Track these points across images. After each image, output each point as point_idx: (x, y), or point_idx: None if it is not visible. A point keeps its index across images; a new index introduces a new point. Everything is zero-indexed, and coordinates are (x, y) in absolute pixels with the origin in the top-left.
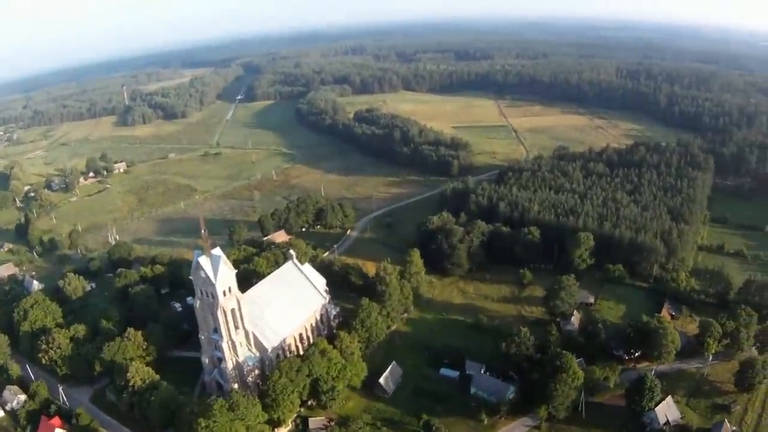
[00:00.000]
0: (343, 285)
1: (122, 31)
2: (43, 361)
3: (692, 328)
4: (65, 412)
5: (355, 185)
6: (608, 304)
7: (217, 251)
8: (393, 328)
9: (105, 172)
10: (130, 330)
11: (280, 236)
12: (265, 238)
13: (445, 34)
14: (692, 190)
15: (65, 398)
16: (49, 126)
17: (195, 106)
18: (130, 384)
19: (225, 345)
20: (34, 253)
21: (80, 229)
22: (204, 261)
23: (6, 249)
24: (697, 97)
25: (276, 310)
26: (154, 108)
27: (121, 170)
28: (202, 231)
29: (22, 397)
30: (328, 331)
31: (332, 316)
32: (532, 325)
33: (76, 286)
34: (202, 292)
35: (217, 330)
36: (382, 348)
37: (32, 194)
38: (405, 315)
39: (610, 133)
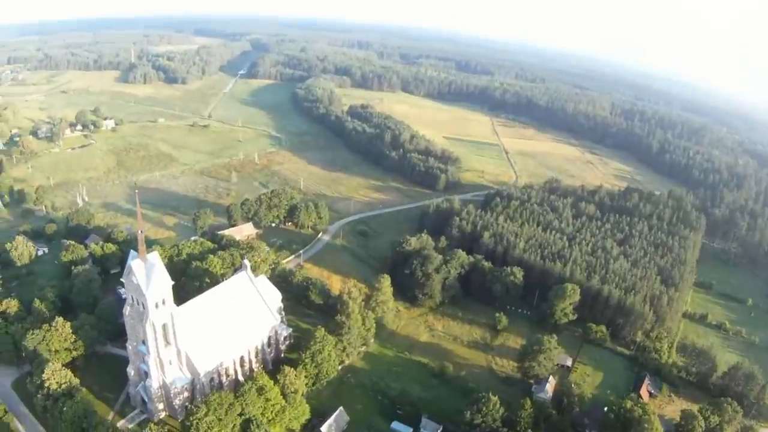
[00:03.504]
0: (301, 301)
1: None
2: None
3: (671, 410)
4: None
5: (337, 183)
6: (586, 369)
7: (153, 257)
8: (347, 363)
9: (92, 127)
10: (59, 320)
11: (247, 228)
12: (228, 231)
13: (449, 44)
14: (683, 250)
15: None
16: (56, 71)
17: (197, 74)
18: (46, 385)
19: (152, 361)
20: (1, 203)
21: (53, 183)
22: (137, 266)
23: None
24: (689, 148)
25: (217, 329)
26: (157, 70)
27: (109, 128)
28: (139, 231)
29: None
30: (275, 354)
31: (282, 339)
32: (501, 384)
33: (23, 251)
34: (133, 299)
35: (145, 342)
36: (332, 386)
37: (17, 138)
38: (363, 348)
39: (600, 170)
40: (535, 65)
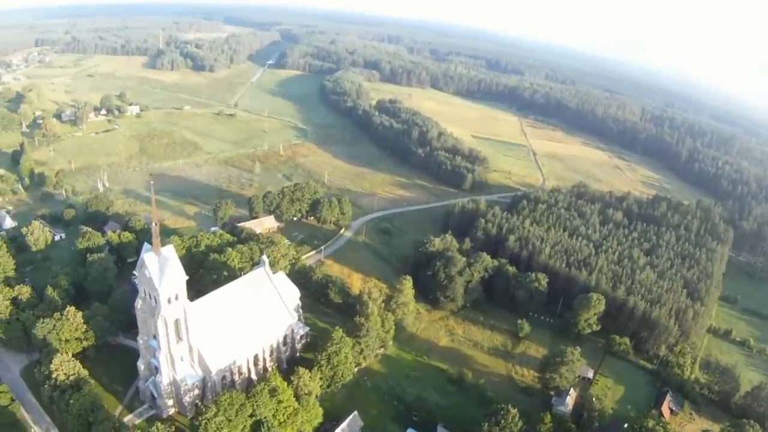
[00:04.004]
0: (320, 299)
1: None
2: None
3: (691, 429)
4: None
5: (361, 178)
6: (607, 382)
7: (167, 250)
8: (363, 365)
9: (117, 112)
10: (70, 309)
11: (268, 222)
12: (249, 223)
13: (480, 41)
14: (710, 263)
15: None
16: (83, 55)
17: (224, 63)
18: (53, 376)
19: (162, 357)
20: (21, 186)
21: (74, 168)
22: (150, 259)
23: None
24: (717, 158)
25: (231, 326)
26: (185, 57)
27: (133, 113)
28: (153, 224)
29: None
30: (291, 353)
31: (298, 337)
32: (520, 394)
33: (39, 236)
34: (145, 293)
35: (156, 337)
36: (347, 389)
37: (40, 121)
38: (381, 350)
39: (628, 177)
40: (565, 66)
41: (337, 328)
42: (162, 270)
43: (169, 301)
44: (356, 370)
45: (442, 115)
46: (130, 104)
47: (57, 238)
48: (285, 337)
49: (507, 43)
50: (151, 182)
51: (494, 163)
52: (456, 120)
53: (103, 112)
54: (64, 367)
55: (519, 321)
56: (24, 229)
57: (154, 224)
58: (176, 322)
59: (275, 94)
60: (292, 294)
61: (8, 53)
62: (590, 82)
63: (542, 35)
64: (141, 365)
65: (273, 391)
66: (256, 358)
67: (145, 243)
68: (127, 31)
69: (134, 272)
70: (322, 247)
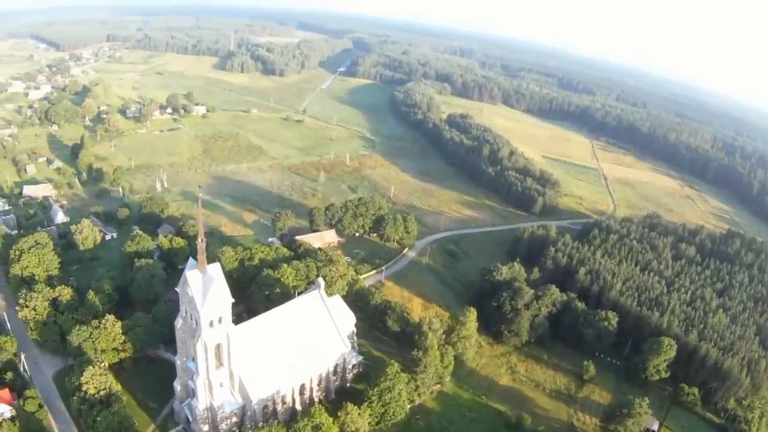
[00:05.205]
0: (377, 325)
1: None
2: (20, 316)
3: None
4: (23, 383)
5: (428, 195)
6: None
7: (213, 269)
8: (417, 402)
9: (182, 111)
10: (110, 318)
11: (329, 236)
12: (309, 237)
13: (552, 59)
14: None
15: (26, 366)
16: (153, 52)
17: (295, 68)
18: (83, 389)
19: (200, 382)
20: (77, 180)
21: (134, 165)
22: (193, 277)
23: (55, 167)
24: None
25: (278, 353)
26: (255, 60)
27: (199, 113)
28: (199, 240)
29: None
30: (340, 383)
31: (350, 367)
32: None
33: (87, 235)
34: (186, 312)
35: (195, 360)
36: (397, 427)
37: (104, 116)
38: (437, 386)
39: (699, 208)
40: (635, 87)
41: (393, 362)
42: (206, 290)
43: (210, 324)
44: (409, 407)
45: (512, 132)
46: (197, 104)
47: (108, 237)
48: (336, 367)
49: (578, 62)
50: (200, 195)
51: (565, 187)
52: (526, 138)
53: (169, 110)
54: (95, 380)
55: (585, 362)
56: (73, 227)
57: (200, 240)
58: (218, 346)
59: (344, 102)
60: (348, 320)
61: (79, 47)
62: (661, 106)
63: (615, 55)
64: (177, 386)
65: (316, 429)
66: (302, 387)
67: (190, 258)
68: (199, 31)
69: (176, 288)
70: (383, 267)
